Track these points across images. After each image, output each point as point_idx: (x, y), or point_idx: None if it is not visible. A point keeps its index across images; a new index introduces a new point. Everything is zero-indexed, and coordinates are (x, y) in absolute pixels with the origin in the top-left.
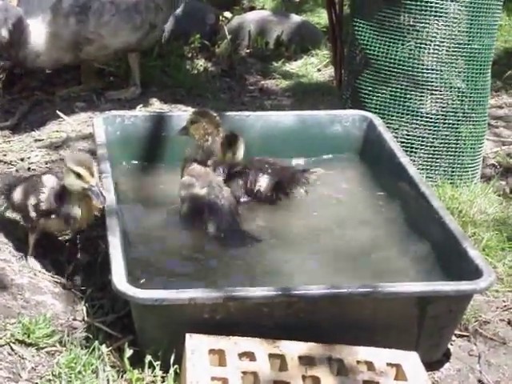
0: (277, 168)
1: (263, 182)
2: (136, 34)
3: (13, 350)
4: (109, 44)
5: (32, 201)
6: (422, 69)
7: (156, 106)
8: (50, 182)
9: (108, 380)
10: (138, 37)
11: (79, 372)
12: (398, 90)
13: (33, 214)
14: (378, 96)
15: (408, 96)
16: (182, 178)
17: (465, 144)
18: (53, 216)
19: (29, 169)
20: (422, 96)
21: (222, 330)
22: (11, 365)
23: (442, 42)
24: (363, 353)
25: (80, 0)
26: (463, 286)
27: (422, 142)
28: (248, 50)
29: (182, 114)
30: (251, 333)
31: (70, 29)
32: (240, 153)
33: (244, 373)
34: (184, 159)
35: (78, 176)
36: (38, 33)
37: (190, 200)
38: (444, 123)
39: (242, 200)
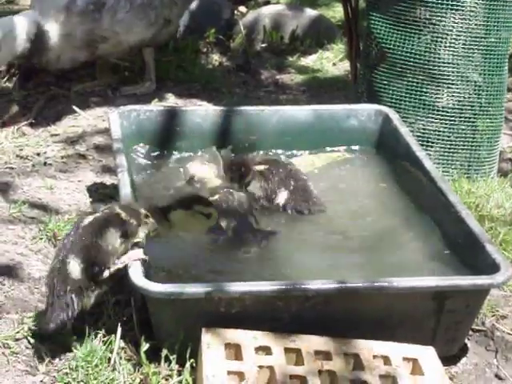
0: (298, 186)
1: (282, 198)
2: (151, 30)
3: (30, 343)
4: (124, 40)
5: None
6: (439, 62)
7: (171, 100)
8: None
9: (124, 374)
10: (153, 32)
11: (96, 365)
12: (414, 84)
13: None
14: (394, 90)
15: (424, 90)
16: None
17: (481, 138)
18: None
19: (45, 163)
20: (438, 90)
21: (238, 324)
22: (28, 358)
23: (459, 35)
24: (379, 347)
25: None
26: (480, 280)
27: (439, 136)
28: (263, 45)
29: (196, 108)
30: (267, 327)
31: (84, 27)
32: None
33: (260, 367)
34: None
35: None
36: (54, 35)
37: None
38: (460, 117)
39: (260, 203)
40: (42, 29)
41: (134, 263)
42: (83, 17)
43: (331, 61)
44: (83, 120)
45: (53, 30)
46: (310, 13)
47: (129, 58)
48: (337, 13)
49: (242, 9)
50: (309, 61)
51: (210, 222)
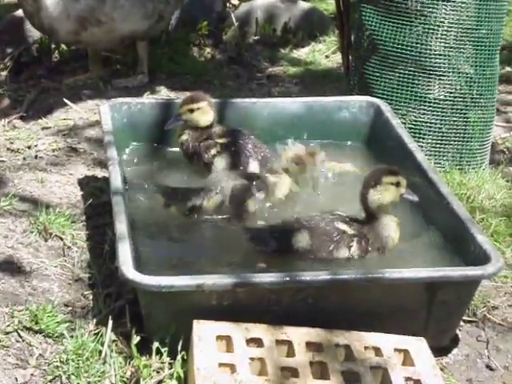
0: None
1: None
2: (146, 22)
3: (20, 336)
4: (117, 29)
5: None
6: (430, 54)
7: (163, 93)
8: None
9: (115, 367)
10: (147, 25)
11: (87, 358)
12: (406, 76)
13: None
14: (386, 82)
15: (416, 82)
16: None
17: (473, 130)
18: None
19: (36, 157)
20: (429, 81)
21: (229, 316)
22: (19, 352)
23: (450, 27)
24: (371, 338)
25: None
26: (471, 271)
27: (430, 127)
28: (255, 37)
29: None
30: (259, 319)
31: (86, 3)
32: None
33: (251, 359)
34: None
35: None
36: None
37: None
38: (452, 109)
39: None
40: None
41: (123, 255)
42: None
43: (324, 53)
44: (75, 113)
45: None
46: (303, 5)
47: (121, 51)
48: (329, 5)
49: (235, 1)
50: (301, 53)
51: None
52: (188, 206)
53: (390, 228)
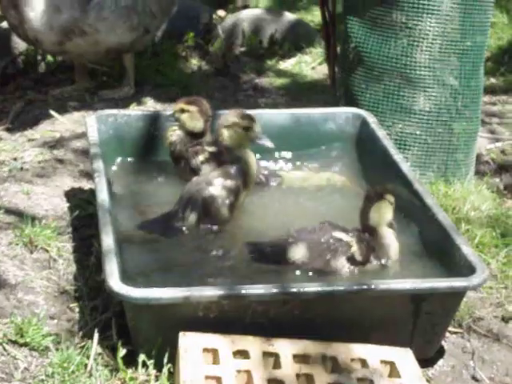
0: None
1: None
2: (131, 35)
3: (5, 350)
4: (102, 41)
5: None
6: (415, 66)
7: (149, 104)
8: None
9: (101, 380)
10: (133, 38)
11: (72, 372)
12: (391, 88)
13: None
14: (371, 93)
15: (401, 93)
16: None
17: (458, 141)
18: None
19: (22, 168)
20: (415, 93)
21: (216, 328)
22: (4, 365)
23: (435, 39)
24: (357, 350)
25: None
26: (456, 282)
27: (416, 139)
28: (242, 49)
29: None
30: (245, 331)
31: (72, 13)
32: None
33: (238, 371)
34: None
35: None
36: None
37: None
38: (437, 120)
39: None
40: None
41: (110, 267)
42: (73, 1)
43: (310, 64)
44: (61, 125)
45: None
46: (289, 17)
47: (107, 63)
48: (315, 17)
49: (221, 13)
50: (287, 65)
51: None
52: (170, 234)
53: (392, 239)
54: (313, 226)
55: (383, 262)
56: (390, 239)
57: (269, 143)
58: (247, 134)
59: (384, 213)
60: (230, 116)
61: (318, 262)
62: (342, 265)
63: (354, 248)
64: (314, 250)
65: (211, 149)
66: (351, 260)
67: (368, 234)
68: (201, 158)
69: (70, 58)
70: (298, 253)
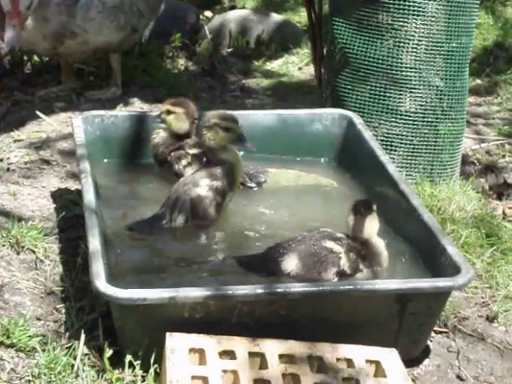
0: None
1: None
2: (119, 34)
3: None
4: (91, 41)
5: None
6: (401, 67)
7: (136, 105)
8: None
9: (88, 380)
10: (121, 37)
11: (59, 372)
12: (377, 89)
13: None
14: (358, 94)
15: (387, 94)
16: None
17: (443, 142)
18: None
19: (8, 169)
20: (400, 94)
21: (202, 328)
22: None
23: (421, 40)
24: (343, 350)
25: None
26: (441, 282)
27: (401, 140)
28: (229, 49)
29: None
30: (232, 331)
31: (61, 18)
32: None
33: (224, 371)
34: None
35: None
36: (31, 18)
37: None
38: (423, 121)
39: None
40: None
41: (96, 268)
42: (60, 8)
43: (297, 65)
44: (47, 125)
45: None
46: (276, 17)
47: (94, 63)
48: (302, 18)
49: (208, 13)
50: (274, 65)
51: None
52: (158, 235)
53: (383, 247)
54: (302, 235)
55: (375, 269)
56: (382, 248)
57: (250, 145)
58: (227, 135)
59: (375, 224)
60: (211, 117)
61: (311, 272)
62: (333, 276)
63: (343, 260)
64: (306, 260)
65: (193, 151)
66: (341, 273)
67: (359, 243)
68: (183, 162)
69: (60, 58)
70: (292, 264)
